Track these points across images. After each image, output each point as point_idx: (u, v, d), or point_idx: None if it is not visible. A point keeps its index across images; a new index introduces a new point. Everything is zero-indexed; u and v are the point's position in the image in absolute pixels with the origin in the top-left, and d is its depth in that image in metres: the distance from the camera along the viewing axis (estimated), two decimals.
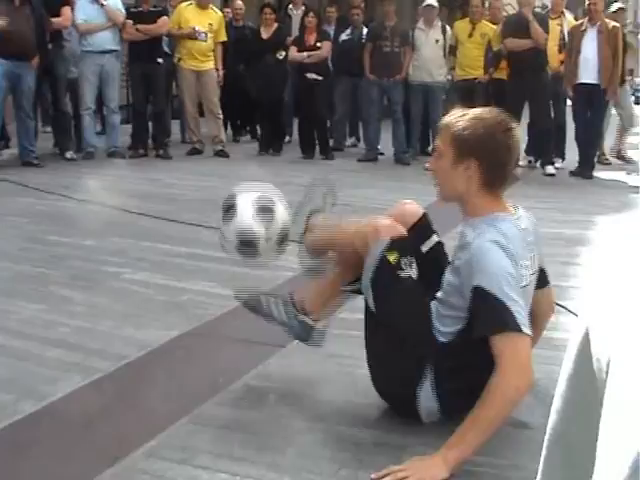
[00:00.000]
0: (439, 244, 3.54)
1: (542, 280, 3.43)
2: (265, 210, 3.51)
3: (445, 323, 3.15)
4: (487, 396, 2.85)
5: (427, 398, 3.18)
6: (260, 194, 3.56)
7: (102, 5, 11.07)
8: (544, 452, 1.28)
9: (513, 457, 3.00)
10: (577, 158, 11.08)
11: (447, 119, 3.16)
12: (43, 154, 10.79)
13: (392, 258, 3.19)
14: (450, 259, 3.26)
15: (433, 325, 3.19)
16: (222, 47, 12.16)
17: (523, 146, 11.41)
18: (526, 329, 2.89)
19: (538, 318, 3.49)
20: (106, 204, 7.77)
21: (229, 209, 3.54)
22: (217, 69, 12.05)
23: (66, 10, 10.69)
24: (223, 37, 12.13)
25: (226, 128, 13.76)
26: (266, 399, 3.55)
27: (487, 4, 13.00)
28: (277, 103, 12.26)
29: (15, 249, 6.05)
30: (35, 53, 10.02)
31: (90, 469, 2.89)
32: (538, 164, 11.46)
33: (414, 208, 3.55)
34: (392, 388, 3.33)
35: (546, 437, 1.27)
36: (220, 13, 12.43)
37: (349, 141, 13.96)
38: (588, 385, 1.11)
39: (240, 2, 13.86)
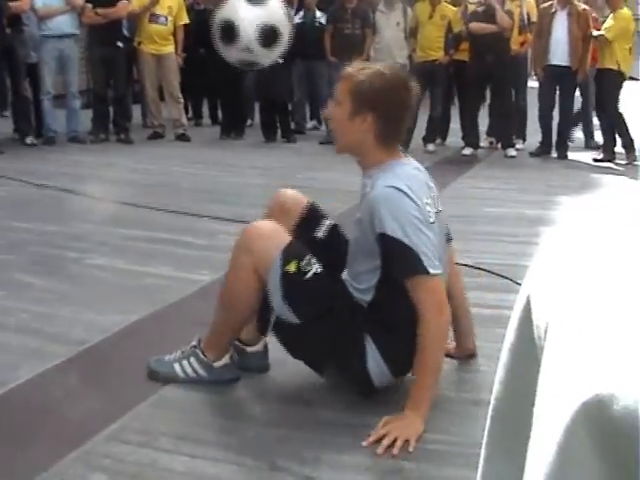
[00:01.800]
0: (335, 227, 3.59)
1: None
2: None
3: (362, 280, 3.21)
4: (419, 343, 3.02)
5: (376, 364, 3.21)
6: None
7: None
8: (488, 422, 1.30)
9: (464, 434, 3.02)
10: (539, 139, 11.14)
11: (350, 70, 3.24)
12: (3, 139, 10.70)
13: (293, 268, 3.18)
14: (355, 220, 3.29)
15: (352, 294, 3.24)
16: (183, 30, 12.06)
17: (484, 128, 11.48)
18: (434, 269, 3.01)
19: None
20: (66, 189, 7.71)
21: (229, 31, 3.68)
22: (177, 53, 11.99)
23: None
24: (184, 19, 12.02)
25: (187, 112, 13.71)
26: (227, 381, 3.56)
27: None
28: (237, 87, 12.21)
29: None
30: None
31: (51, 454, 2.89)
32: (499, 146, 11.50)
33: (297, 198, 3.58)
34: (344, 373, 3.34)
35: (490, 407, 1.29)
36: None
37: (310, 124, 13.91)
38: (528, 353, 1.13)
39: None
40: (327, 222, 3.56)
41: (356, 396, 3.33)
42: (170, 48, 11.85)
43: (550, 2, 10.91)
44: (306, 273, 3.18)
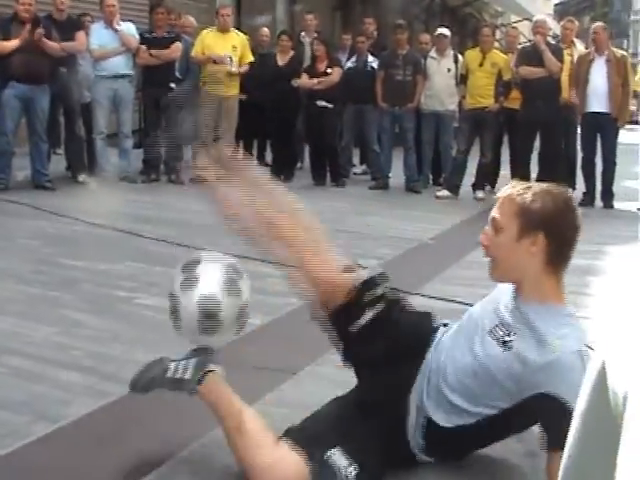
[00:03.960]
0: (376, 320, 3.22)
1: None
2: (232, 281, 3.29)
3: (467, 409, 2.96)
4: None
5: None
6: (228, 264, 3.38)
7: (116, 30, 11.14)
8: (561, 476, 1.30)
9: None
10: (583, 189, 11.05)
11: (508, 191, 2.94)
12: (55, 177, 10.80)
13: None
14: (500, 339, 2.91)
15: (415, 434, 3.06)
16: (248, 68, 11.95)
17: (534, 175, 11.43)
18: None
19: None
20: (118, 228, 7.78)
21: (191, 275, 3.34)
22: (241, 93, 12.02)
23: (81, 35, 10.74)
24: (250, 58, 11.93)
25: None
26: (280, 425, 3.54)
27: (497, 34, 13.01)
28: (289, 130, 12.27)
29: (28, 272, 6.07)
30: (47, 77, 10.16)
31: None
32: None
33: (347, 282, 3.23)
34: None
35: (561, 468, 1.28)
36: (242, 35, 12.22)
37: (360, 168, 13.92)
38: (604, 418, 1.13)
39: (266, 29, 13.78)
40: (370, 314, 3.20)
41: None
42: (235, 90, 11.85)
43: (588, 50, 10.98)
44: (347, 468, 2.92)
